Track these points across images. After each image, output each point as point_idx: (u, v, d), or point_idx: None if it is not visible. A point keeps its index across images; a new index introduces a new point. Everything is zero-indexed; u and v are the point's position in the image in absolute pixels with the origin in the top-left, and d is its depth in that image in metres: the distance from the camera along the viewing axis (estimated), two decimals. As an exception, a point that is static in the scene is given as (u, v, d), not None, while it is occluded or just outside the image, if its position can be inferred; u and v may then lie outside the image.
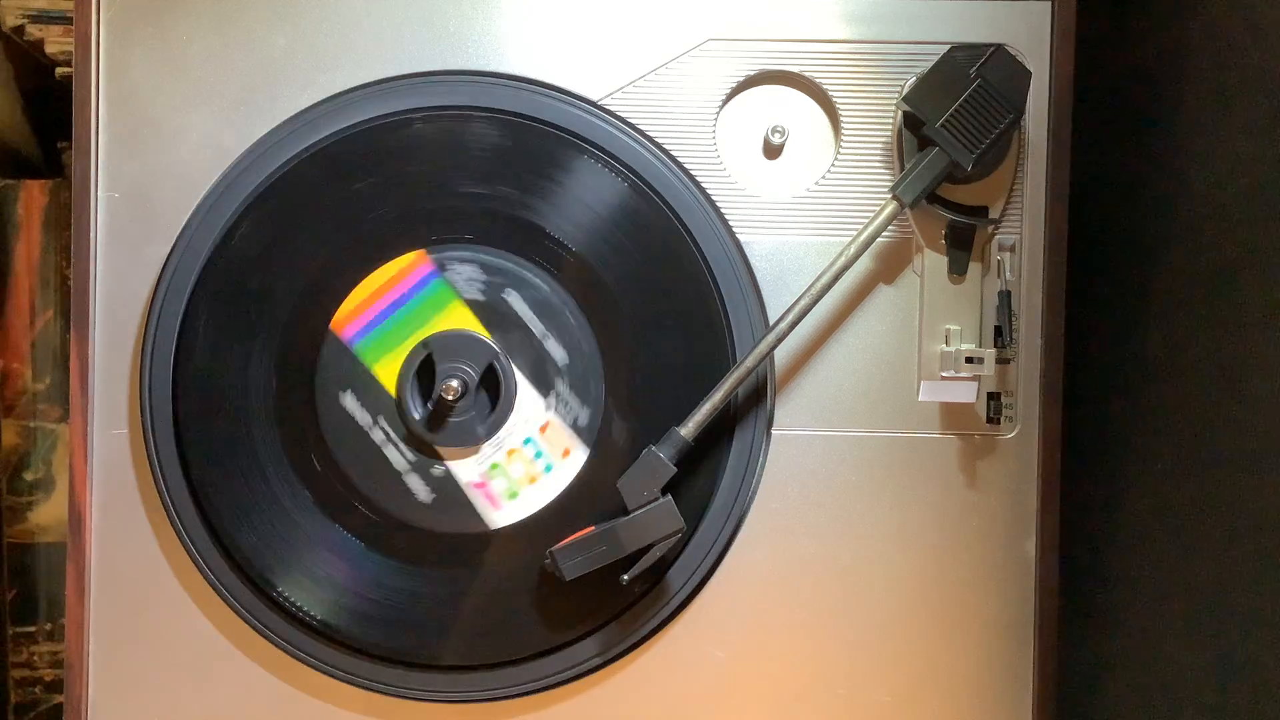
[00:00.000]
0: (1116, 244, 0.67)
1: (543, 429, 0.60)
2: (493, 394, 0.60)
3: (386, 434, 0.60)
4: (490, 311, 0.60)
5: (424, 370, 0.60)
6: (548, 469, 0.61)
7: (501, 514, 0.61)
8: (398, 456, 0.60)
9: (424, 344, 0.60)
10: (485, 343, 0.60)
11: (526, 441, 0.60)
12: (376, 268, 0.60)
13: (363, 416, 0.60)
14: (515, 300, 0.60)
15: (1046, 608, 0.63)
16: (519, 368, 0.60)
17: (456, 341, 0.60)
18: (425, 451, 0.60)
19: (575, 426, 0.60)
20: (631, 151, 0.61)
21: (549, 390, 0.60)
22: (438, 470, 0.60)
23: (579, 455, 0.61)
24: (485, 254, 0.60)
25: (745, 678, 0.63)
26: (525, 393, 0.60)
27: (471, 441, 0.60)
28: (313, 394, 0.60)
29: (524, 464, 0.60)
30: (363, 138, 0.61)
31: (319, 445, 0.60)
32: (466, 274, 0.60)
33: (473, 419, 0.60)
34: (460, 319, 0.60)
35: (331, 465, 0.60)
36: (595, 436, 0.60)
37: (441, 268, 0.60)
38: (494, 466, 0.60)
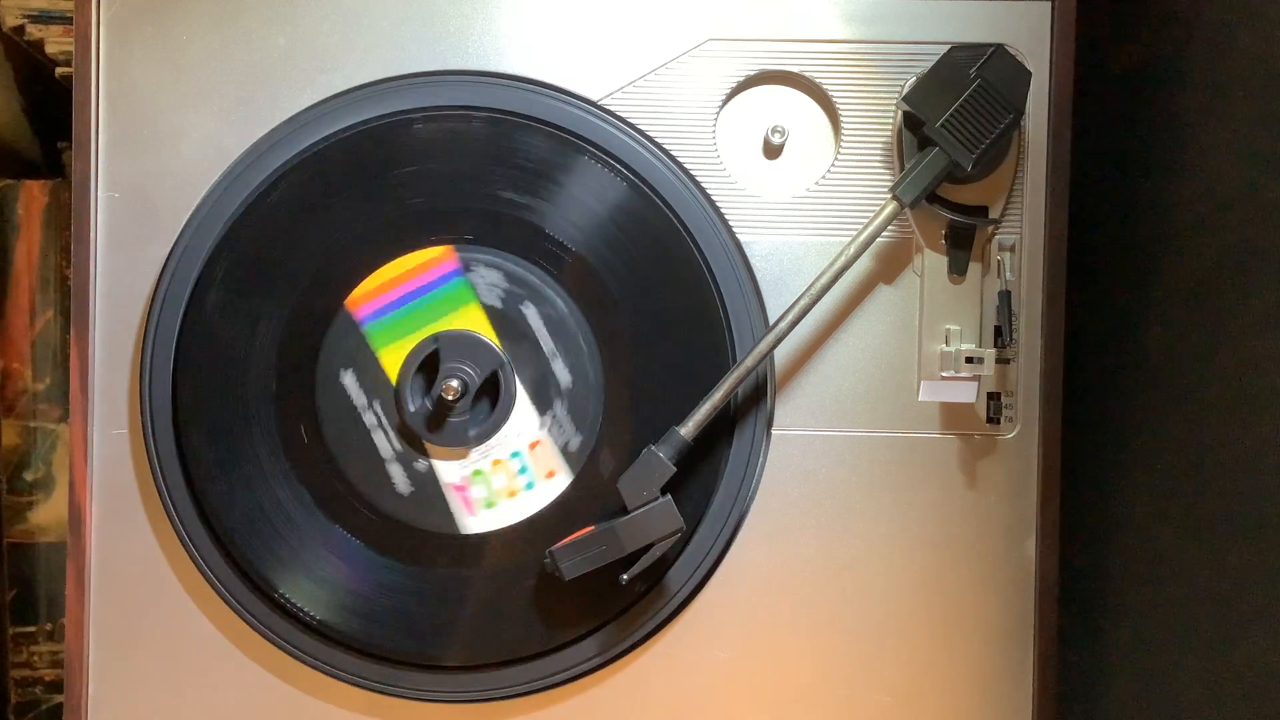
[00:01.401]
0: (1116, 244, 0.67)
1: (532, 446, 0.60)
2: (491, 401, 0.60)
3: (379, 419, 0.60)
4: (505, 320, 0.60)
5: (428, 365, 0.60)
6: (529, 486, 0.61)
7: (475, 520, 0.61)
8: (385, 443, 0.60)
9: (434, 338, 0.60)
10: (494, 350, 0.60)
11: (514, 455, 0.60)
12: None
13: (359, 398, 0.60)
14: (532, 315, 0.60)
15: (1046, 608, 0.63)
16: (522, 381, 0.60)
17: (466, 343, 0.60)
18: (413, 445, 0.60)
19: (565, 451, 0.61)
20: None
21: (547, 409, 0.60)
22: (420, 465, 0.60)
23: (562, 479, 0.61)
24: (511, 263, 0.60)
25: (745, 678, 0.63)
26: (523, 407, 0.61)
27: (460, 444, 0.60)
28: (315, 368, 0.60)
29: (507, 477, 0.60)
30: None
31: (309, 419, 0.60)
32: (489, 279, 0.60)
33: (466, 422, 0.60)
34: (474, 321, 0.60)
35: (318, 440, 0.60)
36: (582, 465, 0.61)
37: (466, 268, 0.60)
38: (477, 473, 0.60)
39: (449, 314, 0.60)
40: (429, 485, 0.61)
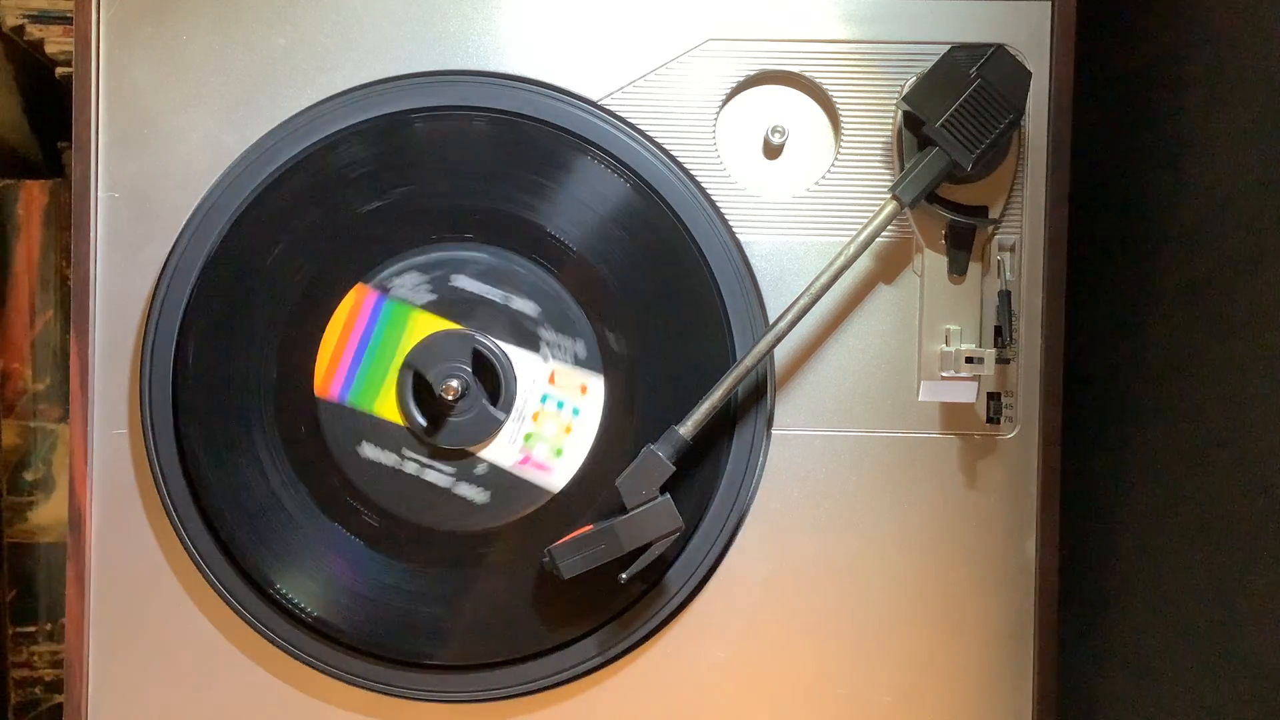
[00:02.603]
0: (1116, 244, 0.67)
1: (551, 379, 0.60)
2: (491, 377, 0.60)
3: (418, 461, 0.60)
4: (447, 304, 0.60)
5: (421, 387, 0.60)
6: (575, 413, 0.60)
7: (557, 475, 0.60)
8: (438, 476, 0.60)
9: (406, 365, 0.60)
10: (459, 333, 0.60)
11: (544, 399, 0.60)
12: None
13: (387, 458, 0.60)
14: (464, 281, 0.60)
15: (1046, 608, 0.63)
16: (500, 338, 0.60)
17: (433, 346, 0.60)
18: (459, 457, 0.60)
19: (578, 361, 0.60)
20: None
21: (537, 343, 0.60)
22: (480, 469, 0.60)
23: (596, 385, 0.60)
24: (416, 256, 0.60)
25: (745, 678, 0.63)
26: (519, 358, 0.60)
27: (493, 426, 0.60)
28: (333, 457, 0.60)
29: (553, 420, 0.60)
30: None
31: (363, 500, 0.60)
32: (409, 283, 0.60)
33: (481, 410, 0.60)
34: (426, 325, 0.60)
35: (383, 513, 0.60)
36: (601, 359, 0.60)
37: (385, 290, 0.60)
38: (528, 437, 0.60)
39: (403, 335, 0.60)
40: (501, 478, 0.60)
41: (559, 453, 0.60)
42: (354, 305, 0.60)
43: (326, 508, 0.60)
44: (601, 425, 0.61)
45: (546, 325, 0.60)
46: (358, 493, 0.60)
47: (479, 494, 0.60)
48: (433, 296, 0.60)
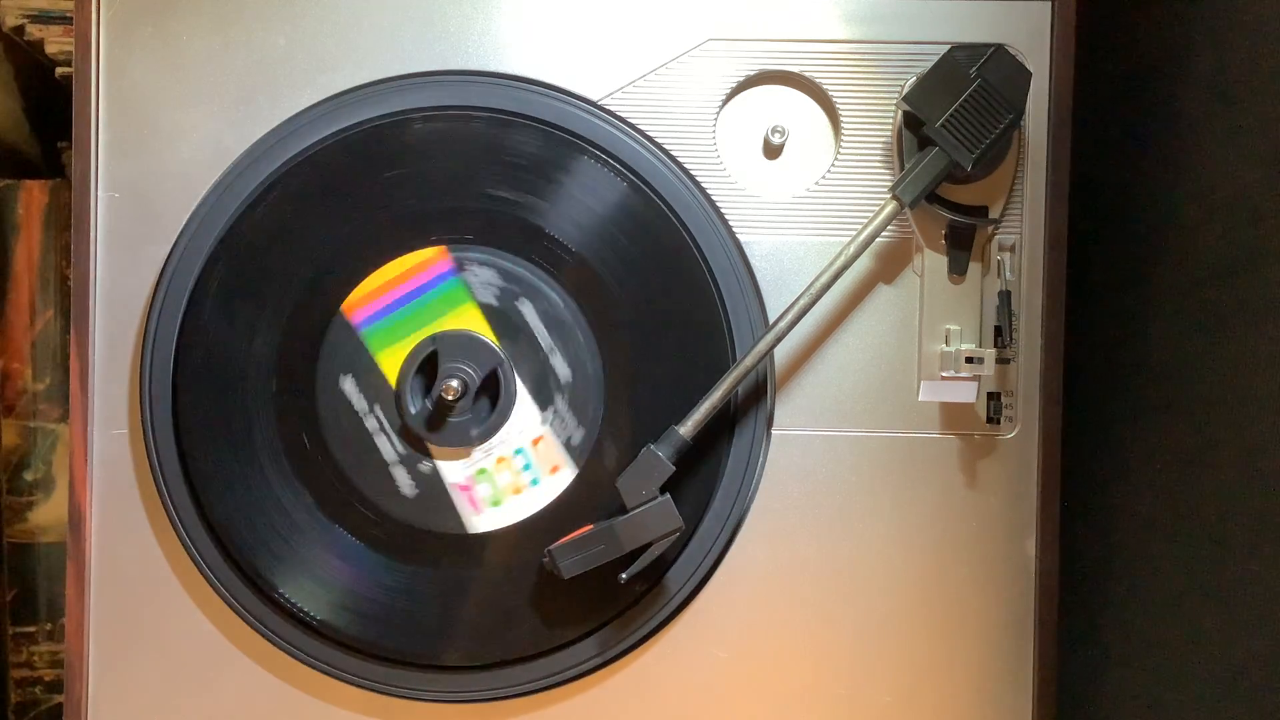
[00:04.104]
0: (1116, 244, 0.67)
1: (535, 442, 0.60)
2: (492, 400, 0.60)
3: (380, 423, 0.60)
4: (502, 318, 0.60)
5: (427, 366, 0.60)
6: (534, 483, 0.61)
7: (481, 519, 0.61)
8: (388, 447, 0.60)
9: (431, 339, 0.60)
10: (492, 348, 0.60)
11: (518, 452, 0.60)
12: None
13: (359, 402, 0.60)
14: (528, 310, 0.60)
15: (1046, 608, 0.63)
16: (521, 378, 0.60)
17: (464, 342, 0.60)
18: (416, 447, 0.60)
19: (568, 445, 0.61)
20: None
21: (548, 405, 0.60)
22: (425, 466, 0.60)
23: (567, 474, 0.61)
24: (505, 260, 0.60)
25: (745, 677, 0.63)
26: (524, 403, 0.61)
27: (464, 443, 0.60)
28: (314, 374, 0.60)
29: (511, 474, 0.60)
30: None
31: (309, 420, 0.60)
32: (484, 277, 0.60)
33: (468, 421, 0.60)
34: (470, 320, 0.60)
35: (321, 447, 0.60)
36: (586, 458, 0.61)
37: (460, 267, 0.60)
38: (481, 472, 0.60)
39: (446, 314, 0.60)
40: (433, 486, 0.61)
41: (496, 503, 0.61)
42: (426, 260, 0.60)
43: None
44: (547, 509, 0.61)
45: (565, 396, 0.60)
46: (310, 411, 0.60)
47: (410, 487, 0.60)
48: (494, 303, 0.60)
